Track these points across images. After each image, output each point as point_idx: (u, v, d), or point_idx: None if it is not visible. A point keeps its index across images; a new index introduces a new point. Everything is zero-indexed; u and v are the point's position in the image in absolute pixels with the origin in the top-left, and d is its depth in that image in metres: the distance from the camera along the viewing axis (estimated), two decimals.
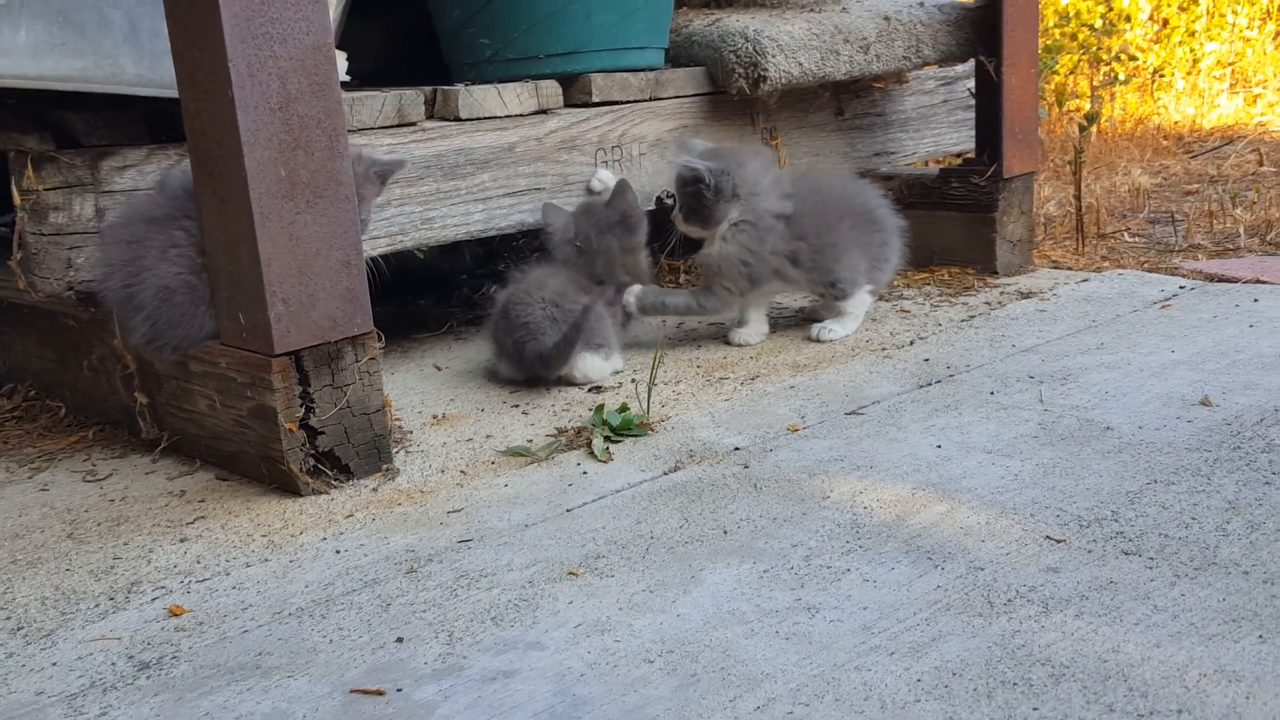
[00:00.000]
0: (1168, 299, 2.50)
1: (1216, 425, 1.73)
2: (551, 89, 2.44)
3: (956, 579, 1.30)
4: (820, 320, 2.46)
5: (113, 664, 1.25)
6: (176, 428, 1.89)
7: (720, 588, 1.33)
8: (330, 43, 1.65)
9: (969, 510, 1.48)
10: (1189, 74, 6.33)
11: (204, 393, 1.80)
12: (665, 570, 1.38)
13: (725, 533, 1.47)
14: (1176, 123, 5.68)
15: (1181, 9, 6.64)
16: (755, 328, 2.44)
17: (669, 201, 2.56)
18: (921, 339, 2.35)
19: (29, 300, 2.01)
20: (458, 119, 2.29)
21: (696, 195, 2.32)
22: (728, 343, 2.43)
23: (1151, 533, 1.38)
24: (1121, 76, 5.41)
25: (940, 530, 1.43)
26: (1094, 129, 3.23)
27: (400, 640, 1.25)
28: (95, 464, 1.91)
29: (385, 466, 1.78)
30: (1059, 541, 1.38)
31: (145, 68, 1.80)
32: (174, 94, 1.73)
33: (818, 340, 2.40)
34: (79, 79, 1.77)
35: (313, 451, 1.71)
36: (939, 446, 1.73)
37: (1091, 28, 5.66)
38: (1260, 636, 1.13)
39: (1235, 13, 6.58)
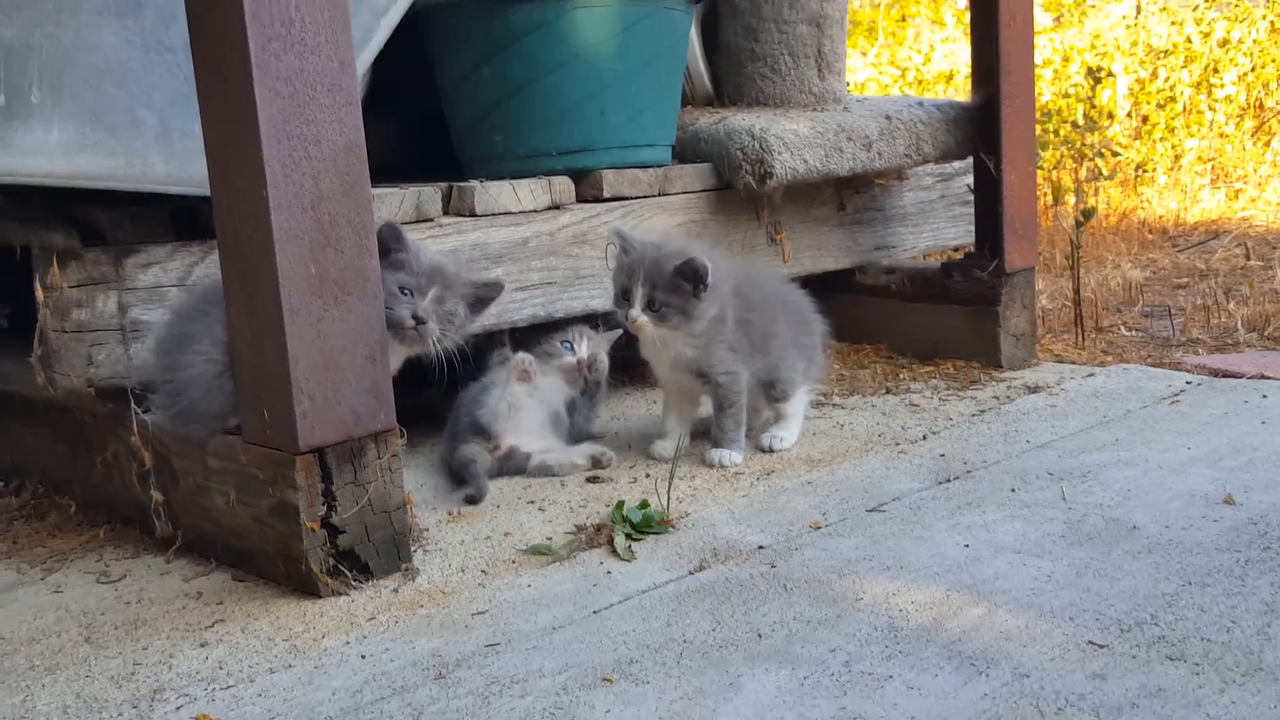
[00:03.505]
0: (1176, 394, 2.51)
1: (1243, 525, 1.73)
2: (564, 184, 2.46)
3: (1003, 686, 1.28)
4: (765, 430, 2.35)
5: None
6: (192, 525, 1.87)
7: (761, 695, 1.30)
8: (361, 142, 1.67)
9: (1007, 613, 1.47)
10: (1170, 169, 6.45)
11: (222, 489, 1.77)
12: (702, 676, 1.36)
13: (760, 636, 1.46)
14: (1161, 217, 5.77)
15: (1159, 106, 6.79)
16: (673, 440, 2.30)
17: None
18: (934, 433, 2.35)
19: (44, 395, 1.99)
20: (473, 214, 2.31)
21: (688, 294, 2.12)
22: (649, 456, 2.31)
23: (1193, 637, 1.37)
24: (1106, 172, 5.51)
25: (980, 635, 1.41)
26: (1100, 202, 3.27)
27: None
28: (108, 564, 1.87)
29: (405, 565, 1.76)
30: (1101, 646, 1.36)
31: (175, 167, 1.81)
32: (203, 192, 1.74)
33: (769, 450, 2.29)
34: (109, 178, 1.78)
35: (333, 551, 1.68)
36: (967, 546, 1.72)
37: (1074, 124, 5.78)
38: None
39: (1213, 109, 6.73)
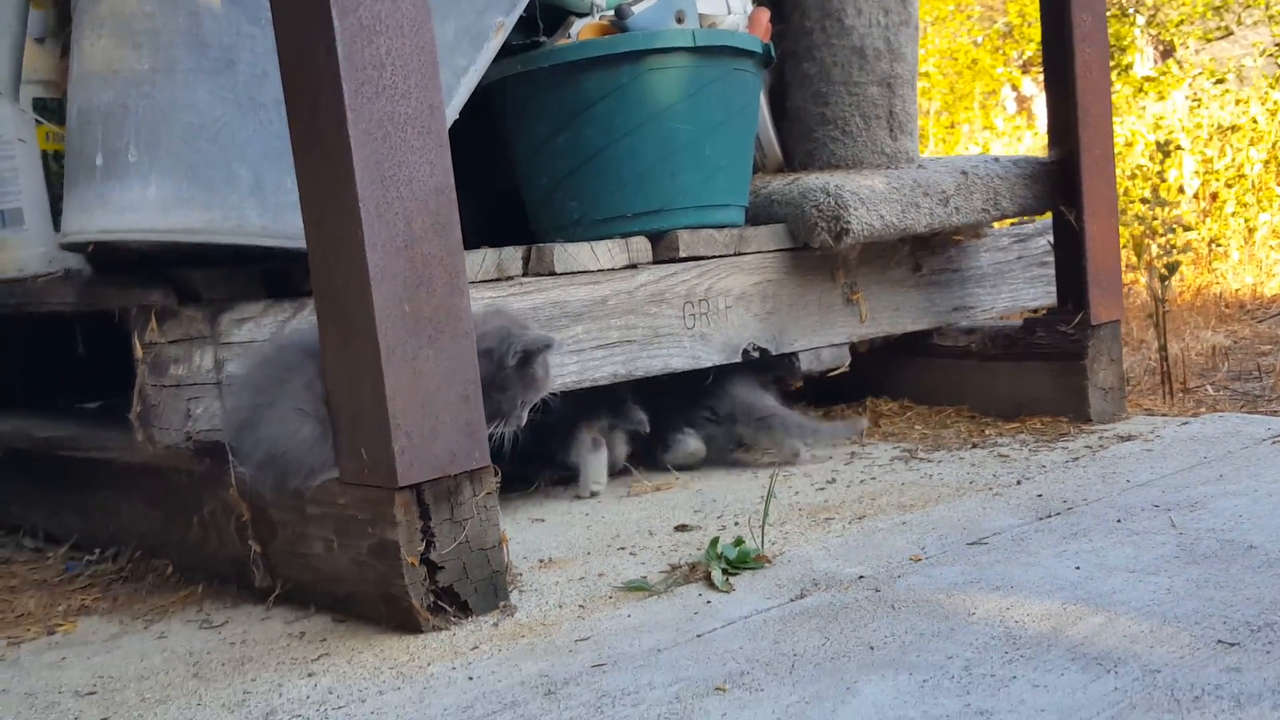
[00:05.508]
0: (1277, 436, 2.45)
1: None
2: (641, 244, 2.49)
3: (1133, 681, 1.24)
4: None
5: None
6: (290, 575, 1.87)
7: (880, 697, 1.27)
8: (451, 185, 1.70)
9: (1129, 620, 1.42)
10: (1244, 245, 6.38)
11: (321, 535, 1.78)
12: (816, 684, 1.32)
13: (872, 649, 1.42)
14: (1237, 291, 5.68)
15: (1228, 184, 6.74)
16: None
17: (755, 355, 2.60)
18: (1028, 478, 2.30)
19: (141, 457, 2.03)
20: (553, 273, 2.34)
21: None
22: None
23: None
24: (1179, 247, 5.45)
25: (1103, 639, 1.37)
26: (1174, 279, 3.23)
27: None
28: (209, 614, 1.88)
29: (502, 603, 1.74)
30: (1233, 645, 1.31)
31: (270, 219, 1.86)
32: (296, 245, 1.79)
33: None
34: (207, 230, 1.83)
35: (433, 587, 1.68)
36: (1078, 568, 1.67)
37: (1144, 200, 5.75)
38: None
39: None
